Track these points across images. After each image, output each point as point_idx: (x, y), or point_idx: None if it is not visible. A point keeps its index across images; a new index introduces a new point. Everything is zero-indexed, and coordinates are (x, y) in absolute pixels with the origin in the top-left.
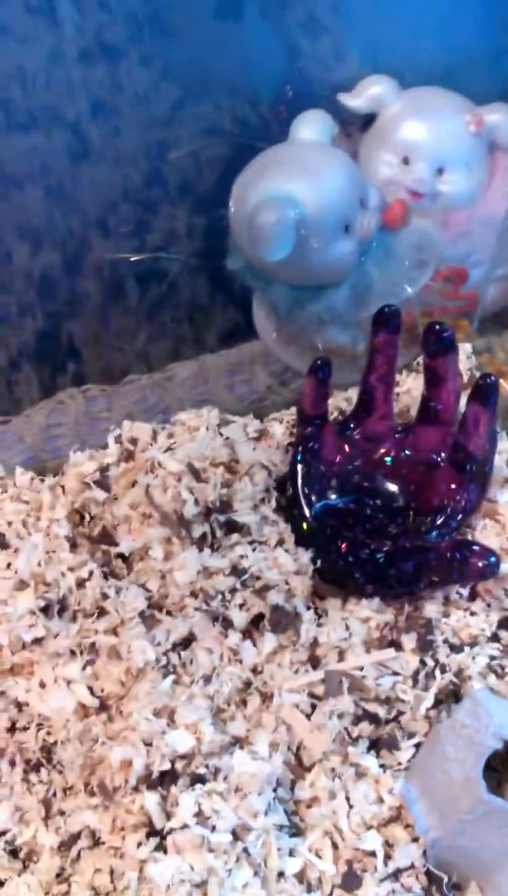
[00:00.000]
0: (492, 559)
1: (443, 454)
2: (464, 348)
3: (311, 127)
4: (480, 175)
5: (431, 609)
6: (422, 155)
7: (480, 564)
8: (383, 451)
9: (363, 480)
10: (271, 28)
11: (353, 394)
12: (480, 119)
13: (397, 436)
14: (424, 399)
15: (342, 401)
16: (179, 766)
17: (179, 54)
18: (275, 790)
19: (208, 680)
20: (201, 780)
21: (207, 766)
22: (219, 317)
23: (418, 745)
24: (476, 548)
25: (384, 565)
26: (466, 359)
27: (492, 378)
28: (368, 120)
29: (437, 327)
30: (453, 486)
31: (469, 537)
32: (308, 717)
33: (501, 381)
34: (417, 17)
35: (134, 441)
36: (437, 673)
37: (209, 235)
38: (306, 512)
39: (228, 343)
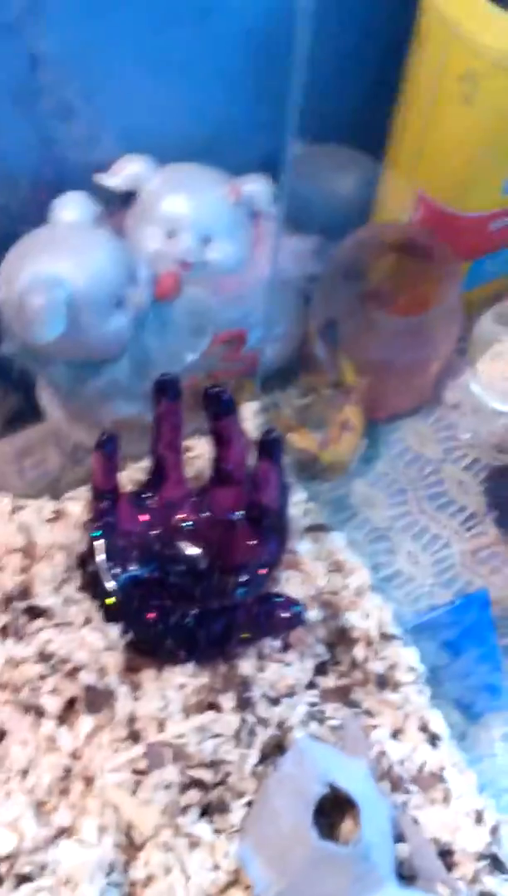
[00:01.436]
0: (297, 609)
1: (239, 512)
2: (250, 407)
3: (71, 208)
4: (245, 241)
5: (246, 666)
6: (186, 227)
7: (285, 615)
8: (181, 516)
9: (164, 548)
10: (24, 116)
11: (147, 464)
12: (238, 189)
13: (193, 499)
14: (214, 461)
15: (137, 472)
16: (2, 868)
17: None
18: (108, 875)
19: (24, 773)
20: (26, 878)
21: (32, 864)
22: (0, 403)
23: (249, 804)
24: (279, 600)
25: (193, 629)
26: (253, 417)
27: (275, 433)
28: (128, 197)
29: (214, 390)
30: (252, 542)
31: (276, 590)
32: (134, 794)
33: (292, 434)
34: (170, 96)
35: None
36: (258, 728)
37: None
38: (111, 586)
39: (14, 428)
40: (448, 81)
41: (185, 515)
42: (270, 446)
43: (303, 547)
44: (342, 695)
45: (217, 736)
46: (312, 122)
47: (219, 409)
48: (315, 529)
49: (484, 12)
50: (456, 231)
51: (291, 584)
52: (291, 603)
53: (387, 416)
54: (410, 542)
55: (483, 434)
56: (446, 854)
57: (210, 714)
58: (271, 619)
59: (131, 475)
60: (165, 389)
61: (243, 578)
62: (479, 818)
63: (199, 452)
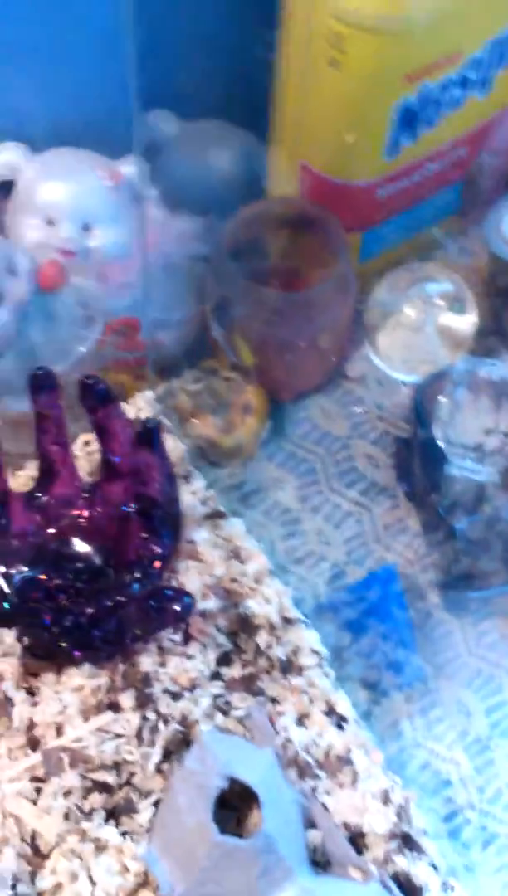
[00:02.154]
0: (186, 600)
1: (131, 506)
2: (144, 396)
3: None
4: (129, 226)
5: (146, 662)
6: (65, 214)
7: (176, 608)
8: (75, 513)
9: (60, 546)
10: None
11: None
12: (116, 173)
13: (85, 495)
14: (102, 454)
15: (34, 470)
16: None
17: None
18: (13, 887)
19: None
20: None
21: None
22: None
23: (157, 803)
24: (169, 592)
25: (87, 628)
26: (149, 406)
27: (152, 421)
28: (5, 187)
29: (88, 382)
30: (144, 535)
31: (174, 581)
32: (35, 802)
33: (191, 420)
34: (41, 82)
35: None
36: (161, 725)
37: None
38: (5, 590)
39: None
40: (317, 47)
41: (78, 512)
42: (148, 436)
43: (201, 536)
44: (248, 684)
45: (118, 736)
46: (191, 100)
47: (94, 399)
48: (214, 517)
49: None
50: (345, 201)
51: (189, 575)
52: (180, 594)
53: (292, 395)
54: (321, 521)
55: (389, 406)
56: (357, 837)
57: (108, 714)
58: (162, 613)
59: (31, 473)
60: (40, 384)
61: (138, 573)
62: (386, 798)
63: (96, 447)
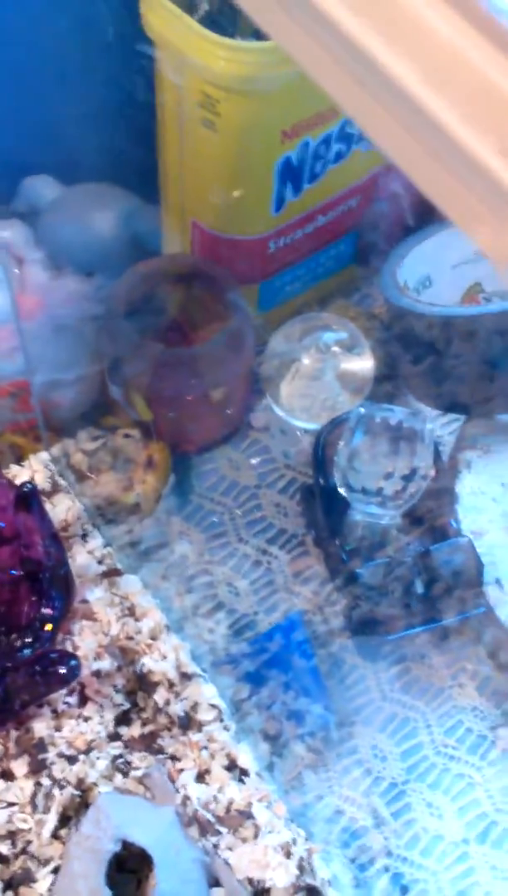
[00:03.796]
0: (72, 662)
1: (18, 569)
2: (39, 457)
3: None
4: (8, 290)
5: (40, 727)
6: None
7: (62, 671)
8: None
9: None
10: None
11: None
12: None
13: None
14: None
15: None
16: None
17: None
18: None
19: None
20: None
21: None
22: None
23: (57, 870)
24: (53, 655)
25: None
26: (44, 468)
27: (29, 485)
28: None
29: None
30: (33, 598)
31: (69, 644)
32: None
33: (88, 480)
34: None
35: None
36: (56, 790)
37: None
38: None
39: None
40: (190, 110)
41: None
42: (25, 500)
43: (95, 595)
44: (148, 742)
45: (11, 805)
46: (76, 165)
47: None
48: (110, 574)
49: (204, 38)
50: (237, 255)
51: (84, 635)
52: (65, 657)
53: (197, 448)
54: (229, 572)
55: (294, 454)
56: (261, 892)
57: (0, 783)
58: (48, 676)
59: None
60: None
61: (29, 638)
62: (288, 851)
63: None
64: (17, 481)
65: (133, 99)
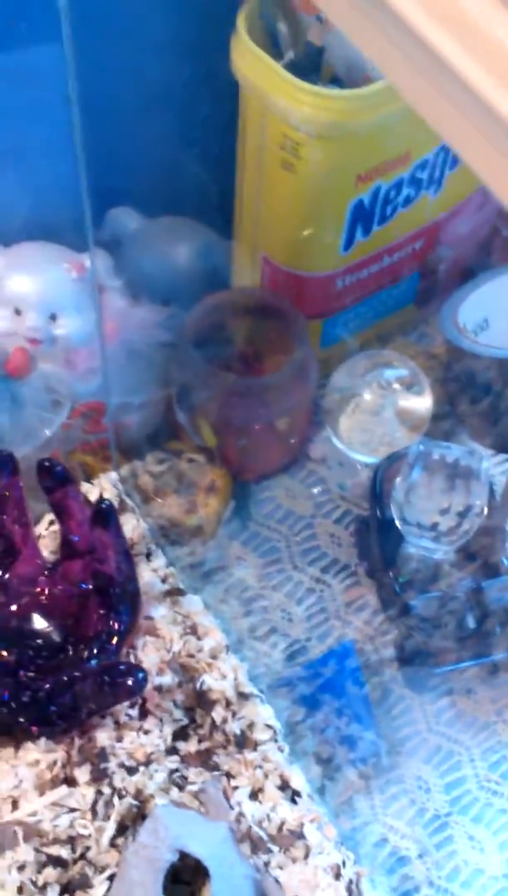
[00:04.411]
0: (140, 675)
1: (90, 583)
2: (109, 476)
3: None
4: (92, 315)
5: (103, 737)
6: (31, 305)
7: (129, 683)
8: (37, 590)
9: (21, 623)
10: None
11: None
12: (80, 265)
13: (46, 573)
14: (61, 533)
15: None
16: None
17: None
18: None
19: None
20: None
21: None
22: None
23: (112, 878)
24: (122, 667)
25: (44, 703)
26: (112, 487)
27: (107, 503)
28: None
29: (46, 464)
30: (102, 611)
31: (132, 657)
32: None
33: (154, 501)
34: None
35: None
36: (115, 799)
37: None
38: None
39: None
40: (271, 151)
41: (41, 589)
42: (103, 516)
43: (159, 612)
44: (204, 758)
45: (73, 811)
46: (157, 199)
47: (52, 481)
48: (173, 594)
49: (289, 85)
50: (304, 291)
51: (147, 650)
52: (132, 669)
53: (255, 476)
54: (283, 598)
55: (350, 486)
56: None
57: (63, 789)
58: (115, 687)
59: None
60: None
61: (96, 648)
62: (338, 873)
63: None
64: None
65: (217, 139)
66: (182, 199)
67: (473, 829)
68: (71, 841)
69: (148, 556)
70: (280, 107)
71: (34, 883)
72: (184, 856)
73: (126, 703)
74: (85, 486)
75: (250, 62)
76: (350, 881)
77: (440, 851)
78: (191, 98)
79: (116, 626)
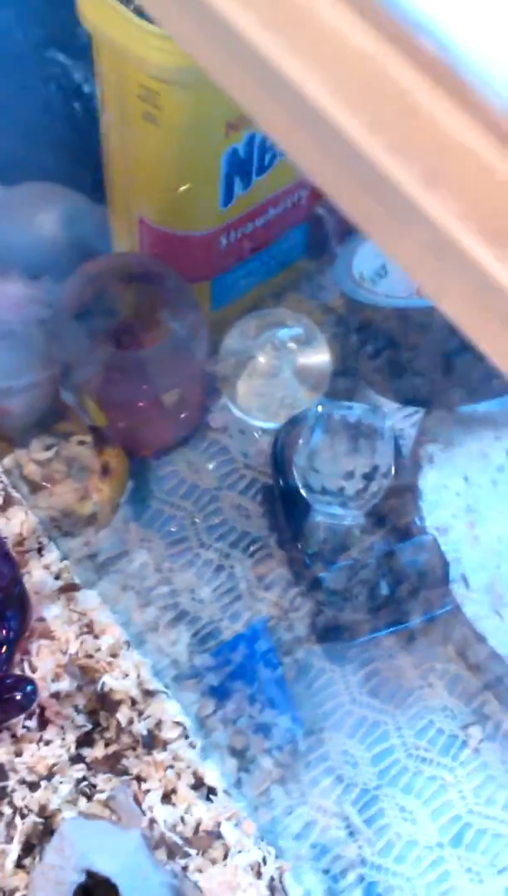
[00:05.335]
0: (28, 687)
1: None
2: None
3: None
4: None
5: (0, 753)
6: None
7: (18, 697)
8: None
9: None
10: None
11: None
12: None
13: None
14: None
15: None
16: None
17: None
18: None
19: None
20: None
21: None
22: None
23: None
24: (9, 681)
25: None
26: None
27: None
28: None
29: None
30: None
31: (26, 664)
32: None
33: (42, 491)
34: None
35: None
36: (17, 819)
37: None
38: None
39: None
40: (131, 103)
41: None
42: None
43: (52, 612)
44: (111, 763)
45: None
46: (17, 165)
47: None
48: (67, 590)
49: (141, 29)
50: (187, 252)
51: (42, 655)
52: (21, 682)
53: (152, 451)
54: (192, 578)
55: (253, 454)
56: None
57: None
58: (4, 703)
59: None
60: None
61: None
62: (258, 871)
63: None
64: None
65: (73, 95)
66: (45, 164)
67: (403, 799)
68: None
69: (40, 550)
70: (134, 54)
71: None
72: (92, 874)
73: (16, 718)
74: None
75: (98, 8)
76: (272, 878)
77: (372, 827)
78: (42, 54)
79: (4, 633)
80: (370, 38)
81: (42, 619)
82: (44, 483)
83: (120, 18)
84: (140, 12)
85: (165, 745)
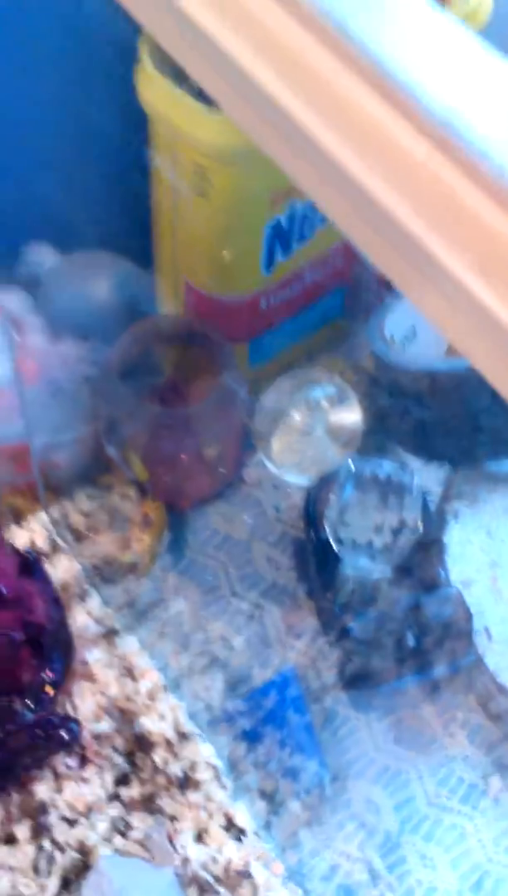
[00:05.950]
0: (72, 726)
1: (18, 633)
2: (39, 518)
3: None
4: (9, 356)
5: (42, 790)
6: None
7: (62, 735)
8: None
9: None
10: None
11: None
12: None
13: None
14: None
15: None
16: None
17: None
18: None
19: None
20: None
21: None
22: None
23: None
24: (55, 719)
25: None
26: (43, 528)
27: (32, 553)
28: None
29: None
30: (34, 661)
31: (69, 705)
32: None
33: (90, 538)
34: None
35: None
36: (57, 854)
37: None
38: None
39: None
40: (183, 178)
41: None
42: (28, 565)
43: (94, 656)
44: (147, 803)
45: (13, 870)
46: (75, 234)
47: None
48: (108, 635)
49: (196, 111)
50: (228, 314)
51: (83, 697)
52: (66, 721)
53: (191, 503)
54: (223, 627)
55: (285, 508)
56: None
57: (3, 848)
58: (50, 741)
59: None
60: None
61: (30, 700)
62: None
63: None
64: (17, 542)
65: (129, 170)
66: (99, 233)
67: (424, 847)
68: None
69: (82, 597)
70: (188, 134)
71: None
72: None
73: (64, 754)
74: (14, 530)
75: (155, 90)
76: None
77: (393, 873)
78: (101, 131)
79: (50, 675)
80: (423, 147)
81: (84, 662)
82: (88, 533)
83: (175, 99)
84: (195, 95)
85: (198, 786)
